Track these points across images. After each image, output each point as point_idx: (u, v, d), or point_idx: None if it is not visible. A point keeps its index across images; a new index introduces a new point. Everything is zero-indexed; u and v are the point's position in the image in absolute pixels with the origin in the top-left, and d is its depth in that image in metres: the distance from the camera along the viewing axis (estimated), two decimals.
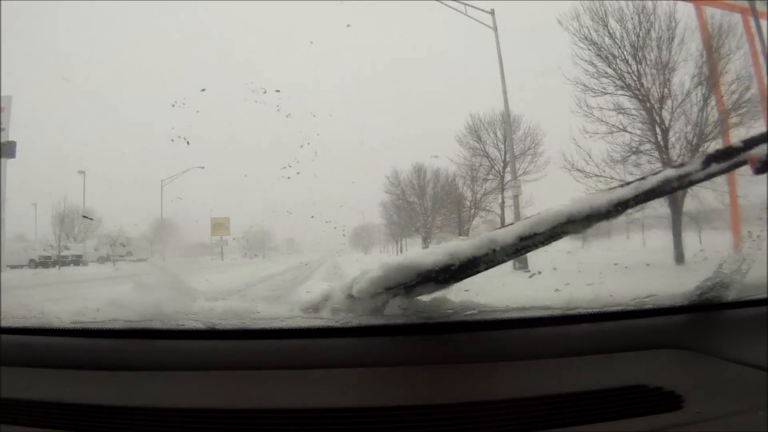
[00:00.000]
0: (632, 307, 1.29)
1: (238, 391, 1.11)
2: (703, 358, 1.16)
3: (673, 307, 1.29)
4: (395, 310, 1.30)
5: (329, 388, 1.10)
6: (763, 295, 1.26)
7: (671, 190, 1.22)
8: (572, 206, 1.20)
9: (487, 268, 1.27)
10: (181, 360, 1.22)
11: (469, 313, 1.29)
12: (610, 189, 1.24)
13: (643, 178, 1.22)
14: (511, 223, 1.26)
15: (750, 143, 1.17)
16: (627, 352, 1.17)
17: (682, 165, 1.22)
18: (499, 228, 1.25)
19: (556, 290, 1.51)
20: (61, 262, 19.49)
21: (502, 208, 15.44)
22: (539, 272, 2.12)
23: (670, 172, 1.21)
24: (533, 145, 15.02)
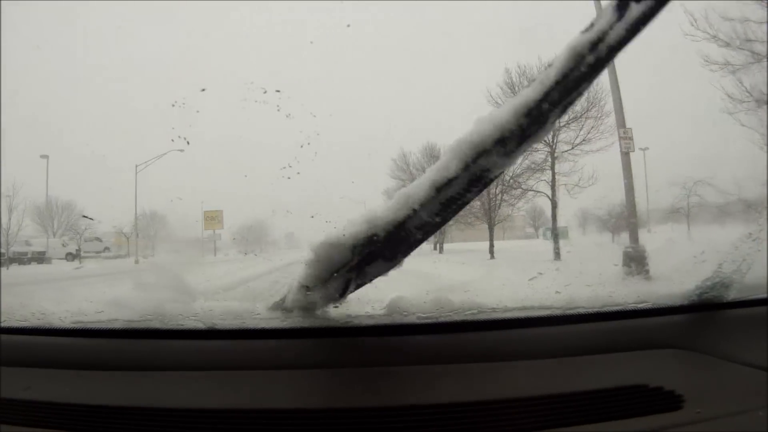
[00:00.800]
0: (632, 307, 1.29)
1: (238, 391, 1.10)
2: (703, 358, 1.16)
3: (673, 307, 1.29)
4: (395, 309, 1.30)
5: (329, 388, 1.10)
6: (763, 295, 1.26)
7: (591, 70, 0.95)
8: (474, 132, 1.01)
9: (425, 235, 1.16)
10: (181, 360, 1.22)
11: (469, 313, 1.29)
12: (514, 96, 1.03)
13: (549, 65, 0.98)
14: (423, 173, 1.11)
15: None
16: (627, 352, 1.17)
17: (589, 27, 0.95)
18: (414, 181, 1.12)
19: (557, 292, 1.51)
20: (19, 259, 17.98)
21: (553, 188, 12.49)
22: (540, 273, 2.12)
23: (578, 40, 0.95)
24: (596, 101, 11.25)
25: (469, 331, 1.24)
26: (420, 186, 1.07)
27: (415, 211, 1.08)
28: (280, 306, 1.34)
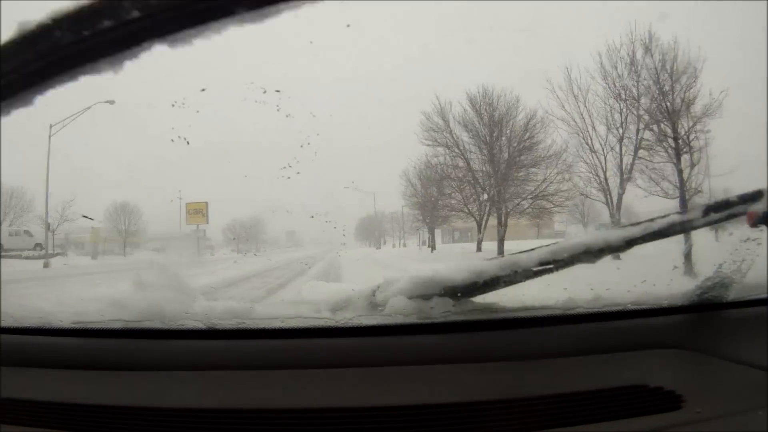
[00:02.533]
0: (632, 307, 1.29)
1: (238, 391, 1.10)
2: (703, 358, 1.16)
3: (673, 307, 1.29)
4: (395, 309, 1.30)
5: (329, 388, 1.10)
6: (763, 295, 1.26)
7: (673, 233, 1.32)
8: (590, 239, 1.32)
9: (504, 287, 1.35)
10: (181, 360, 1.22)
11: (469, 313, 1.29)
12: (623, 227, 1.35)
13: (652, 220, 1.33)
14: (533, 249, 1.35)
15: (746, 198, 1.27)
16: (627, 352, 1.17)
17: (685, 211, 1.34)
18: (524, 252, 1.35)
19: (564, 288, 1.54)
20: None
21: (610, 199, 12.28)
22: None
23: (675, 218, 1.33)
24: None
25: (469, 331, 1.24)
26: (530, 258, 1.32)
27: (515, 273, 1.32)
28: (369, 298, 1.41)
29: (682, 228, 1.35)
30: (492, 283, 1.33)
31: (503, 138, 14.38)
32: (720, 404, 1.00)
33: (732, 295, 1.26)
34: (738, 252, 1.28)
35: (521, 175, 14.29)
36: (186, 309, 1.40)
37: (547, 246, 1.35)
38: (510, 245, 12.83)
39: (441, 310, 1.29)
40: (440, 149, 15.06)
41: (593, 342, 1.20)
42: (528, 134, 14.09)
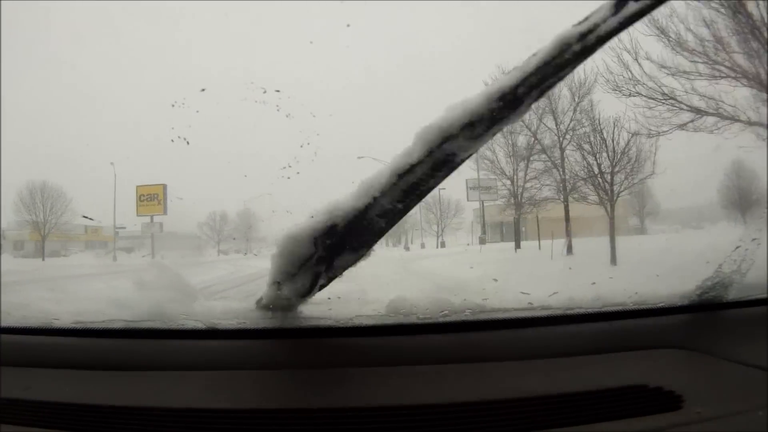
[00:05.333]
0: (632, 307, 1.29)
1: (238, 391, 1.10)
2: (703, 358, 1.16)
3: (673, 307, 1.29)
4: (395, 309, 1.30)
5: (329, 388, 1.10)
6: (763, 295, 1.26)
7: (575, 57, 0.96)
8: (442, 117, 1.02)
9: (389, 223, 1.15)
10: (181, 360, 1.22)
11: (469, 313, 1.29)
12: (486, 87, 1.03)
13: (534, 54, 0.97)
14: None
15: None
16: (627, 352, 1.17)
17: (583, 20, 0.96)
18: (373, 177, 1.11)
19: (554, 293, 1.50)
20: None
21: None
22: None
23: (568, 31, 0.96)
24: None
25: (469, 331, 1.24)
26: (381, 174, 1.07)
27: (375, 198, 1.08)
28: (259, 304, 1.33)
29: (584, 44, 0.96)
30: (361, 221, 1.11)
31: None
32: (720, 404, 1.00)
33: (732, 295, 1.26)
34: (738, 252, 1.28)
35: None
36: (186, 309, 1.40)
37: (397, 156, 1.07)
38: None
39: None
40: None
41: (593, 342, 1.20)
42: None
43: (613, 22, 0.94)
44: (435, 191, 1.10)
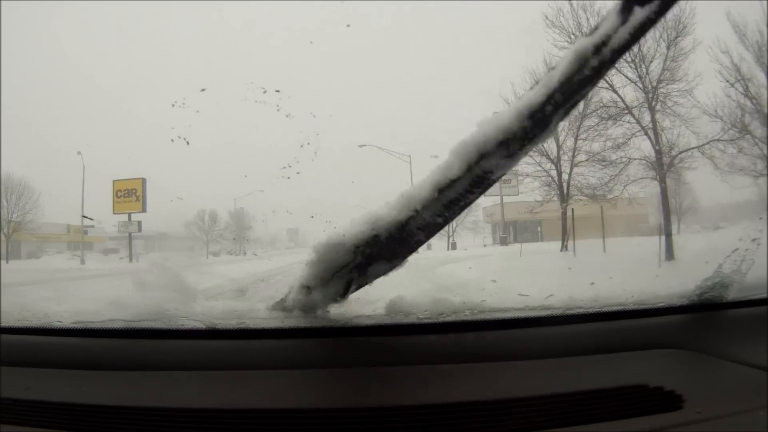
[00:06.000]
0: (632, 307, 1.29)
1: (238, 391, 1.11)
2: (703, 358, 1.16)
3: (673, 307, 1.29)
4: (395, 309, 1.30)
5: (329, 388, 1.10)
6: (763, 295, 1.26)
7: (594, 72, 0.97)
8: (478, 134, 1.02)
9: (427, 236, 1.17)
10: (181, 360, 1.22)
11: (469, 313, 1.29)
12: (518, 98, 1.05)
13: (552, 68, 0.98)
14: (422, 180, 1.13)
15: None
16: (627, 352, 1.17)
17: (593, 30, 0.96)
18: (414, 187, 1.12)
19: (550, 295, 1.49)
20: None
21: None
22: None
23: (582, 44, 0.95)
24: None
25: (469, 331, 1.24)
26: (422, 187, 1.09)
27: (417, 211, 1.10)
28: (281, 305, 1.35)
29: (602, 58, 0.96)
30: (402, 233, 1.12)
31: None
32: (720, 404, 1.00)
33: (732, 295, 1.26)
34: (738, 252, 1.28)
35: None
36: (186, 309, 1.40)
37: (439, 163, 1.08)
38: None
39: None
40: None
41: (593, 342, 1.20)
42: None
43: (624, 33, 0.94)
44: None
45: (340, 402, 1.05)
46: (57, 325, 1.38)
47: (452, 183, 1.06)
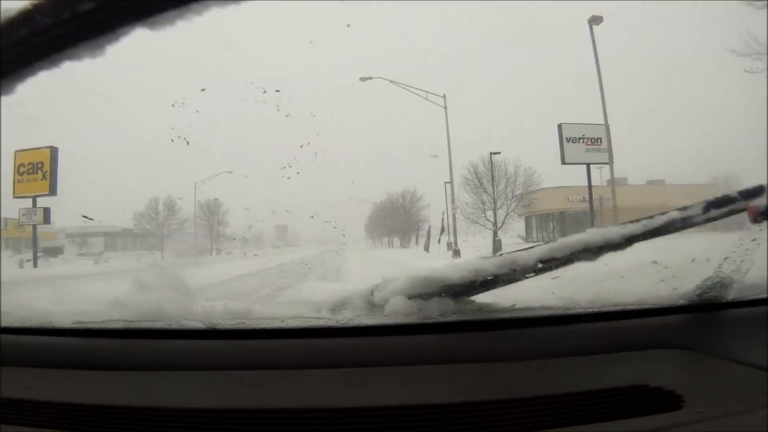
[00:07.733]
0: (632, 307, 1.29)
1: (238, 391, 1.11)
2: (703, 358, 1.16)
3: (673, 307, 1.29)
4: (394, 309, 1.30)
5: (329, 388, 1.10)
6: (763, 295, 1.26)
7: (674, 229, 1.29)
8: (589, 236, 1.30)
9: (504, 285, 1.34)
10: (181, 360, 1.22)
11: (469, 312, 1.29)
12: (622, 224, 1.32)
13: (651, 217, 1.30)
14: (532, 246, 1.33)
15: (747, 194, 1.26)
16: (627, 352, 1.17)
17: (686, 208, 1.30)
18: (522, 250, 1.32)
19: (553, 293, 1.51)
20: None
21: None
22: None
23: (675, 214, 1.29)
24: None
25: (469, 330, 1.24)
26: (528, 256, 1.29)
27: (514, 271, 1.29)
28: (367, 299, 1.39)
29: (683, 225, 1.29)
30: (491, 282, 1.32)
31: None
32: (720, 404, 1.00)
33: (732, 295, 1.26)
34: (738, 252, 1.28)
35: None
36: (186, 309, 1.40)
37: (546, 244, 1.33)
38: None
39: (440, 310, 1.27)
40: None
41: (593, 342, 1.20)
42: None
43: (701, 219, 1.28)
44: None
45: (340, 402, 1.05)
46: (57, 325, 1.38)
47: (552, 260, 1.28)
